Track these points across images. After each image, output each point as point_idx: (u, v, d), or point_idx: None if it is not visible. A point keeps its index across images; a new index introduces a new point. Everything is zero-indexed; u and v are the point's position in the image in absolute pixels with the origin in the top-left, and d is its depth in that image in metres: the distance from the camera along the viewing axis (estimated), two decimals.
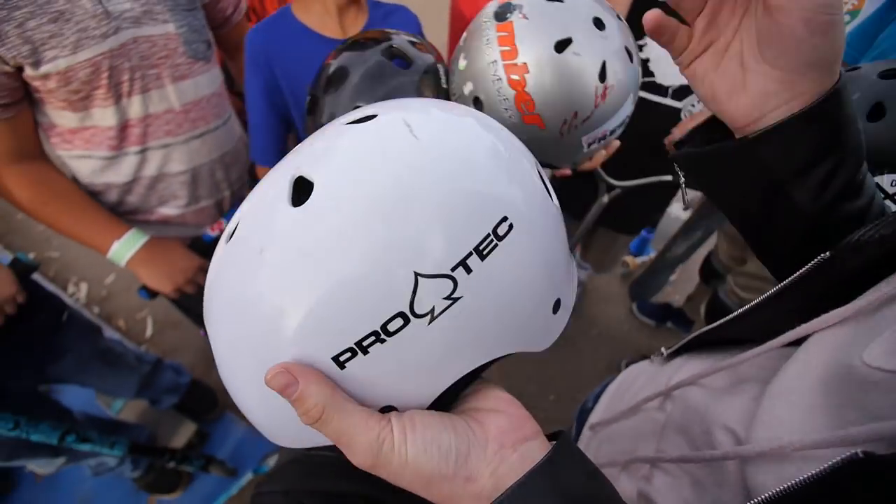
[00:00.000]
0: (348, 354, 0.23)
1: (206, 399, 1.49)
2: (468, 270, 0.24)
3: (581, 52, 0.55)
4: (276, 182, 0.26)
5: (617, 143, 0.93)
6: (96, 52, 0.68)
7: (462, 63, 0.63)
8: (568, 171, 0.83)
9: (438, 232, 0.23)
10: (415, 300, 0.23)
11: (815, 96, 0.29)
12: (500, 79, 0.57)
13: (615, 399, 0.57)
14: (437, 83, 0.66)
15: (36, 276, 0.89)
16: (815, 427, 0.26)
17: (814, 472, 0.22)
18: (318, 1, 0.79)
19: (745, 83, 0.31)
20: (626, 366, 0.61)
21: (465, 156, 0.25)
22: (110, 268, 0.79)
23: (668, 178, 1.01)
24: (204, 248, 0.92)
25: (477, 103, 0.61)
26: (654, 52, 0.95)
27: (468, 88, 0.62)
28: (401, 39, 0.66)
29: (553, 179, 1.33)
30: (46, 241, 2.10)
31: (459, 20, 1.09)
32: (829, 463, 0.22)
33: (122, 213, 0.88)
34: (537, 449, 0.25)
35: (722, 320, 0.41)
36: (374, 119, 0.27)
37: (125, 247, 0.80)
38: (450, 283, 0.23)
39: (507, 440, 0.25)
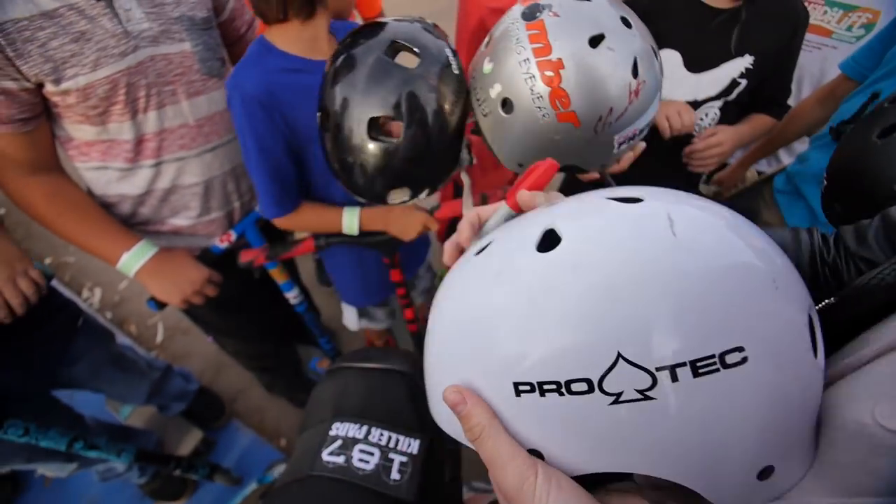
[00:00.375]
0: (528, 388, 0.25)
1: (213, 406, 1.50)
2: (674, 378, 0.22)
3: (614, 47, 0.55)
4: (532, 225, 0.29)
5: (643, 145, 0.92)
6: (115, 69, 0.71)
7: (487, 67, 0.61)
8: (596, 175, 0.80)
9: (658, 328, 0.23)
10: (606, 376, 0.23)
11: None
12: (533, 76, 0.56)
13: None
14: (449, 75, 0.63)
15: (53, 282, 0.91)
16: (821, 487, 0.24)
17: None
18: (306, 27, 0.75)
19: None
20: None
21: (717, 267, 0.24)
22: (124, 273, 0.83)
23: None
24: (213, 260, 0.93)
25: (505, 105, 0.60)
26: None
27: (496, 91, 0.60)
28: (403, 28, 0.62)
29: (571, 186, 1.33)
30: (63, 246, 2.15)
31: (467, 29, 1.09)
32: None
33: (134, 224, 0.89)
34: None
35: None
36: (639, 203, 0.27)
37: (134, 258, 0.82)
38: (648, 379, 0.23)
39: None
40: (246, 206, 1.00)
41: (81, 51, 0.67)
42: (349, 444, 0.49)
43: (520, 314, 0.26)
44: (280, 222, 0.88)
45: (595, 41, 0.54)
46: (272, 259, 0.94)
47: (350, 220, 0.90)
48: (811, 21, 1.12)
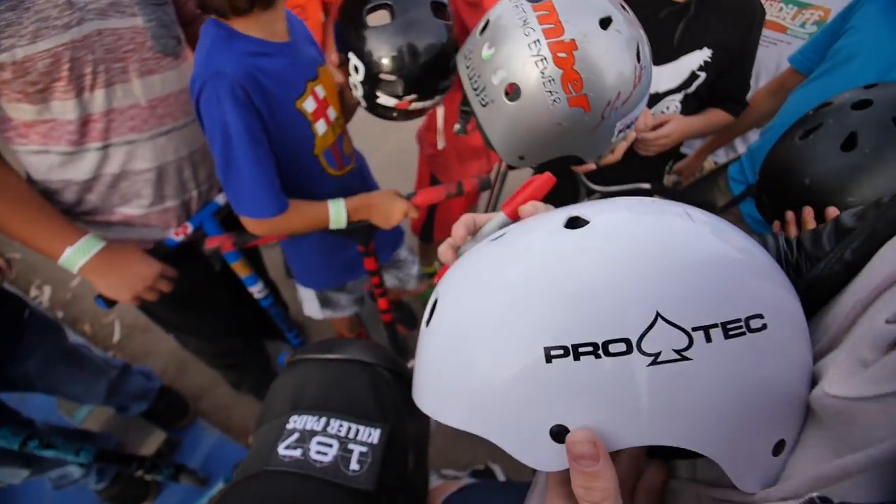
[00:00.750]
0: (560, 352, 0.24)
1: (176, 406, 1.44)
2: (708, 339, 0.23)
3: (622, 30, 0.54)
4: (551, 216, 0.29)
5: (634, 135, 0.92)
6: (57, 42, 0.66)
7: (487, 52, 0.58)
8: (593, 166, 0.79)
9: (693, 291, 0.24)
10: (645, 336, 0.23)
11: None
12: (545, 58, 0.54)
13: None
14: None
15: None
16: (810, 462, 0.24)
17: None
18: (267, 12, 0.71)
19: None
20: None
21: (734, 248, 0.26)
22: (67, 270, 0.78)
23: (646, 185, 1.03)
24: (167, 254, 0.89)
25: (510, 92, 0.58)
26: None
27: (499, 77, 0.58)
28: None
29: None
30: (8, 241, 2.01)
31: None
32: None
33: (81, 213, 0.84)
34: None
35: None
36: (657, 202, 0.29)
37: (78, 254, 0.76)
38: (685, 339, 0.23)
39: None
40: (204, 196, 0.96)
41: (19, 20, 0.62)
42: (307, 436, 0.47)
43: (552, 280, 0.25)
44: (266, 226, 0.81)
45: (604, 23, 0.53)
46: (240, 245, 0.91)
47: (337, 212, 0.86)
48: (768, 17, 1.16)
